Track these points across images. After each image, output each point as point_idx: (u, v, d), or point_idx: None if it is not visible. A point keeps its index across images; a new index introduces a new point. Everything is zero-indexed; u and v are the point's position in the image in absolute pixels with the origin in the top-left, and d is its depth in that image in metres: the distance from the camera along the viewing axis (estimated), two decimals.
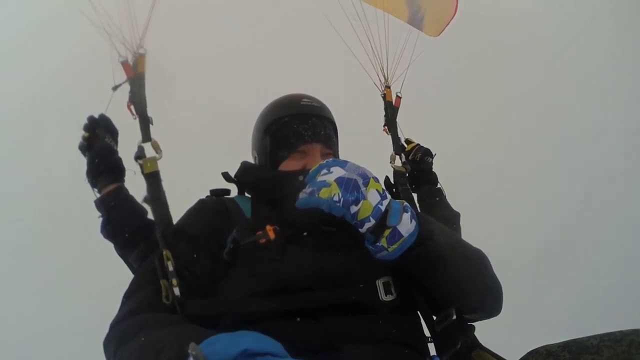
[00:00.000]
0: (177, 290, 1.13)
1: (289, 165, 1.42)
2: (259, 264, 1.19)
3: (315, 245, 1.24)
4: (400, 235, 1.04)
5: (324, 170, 1.07)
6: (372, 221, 1.03)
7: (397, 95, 1.83)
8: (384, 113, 1.83)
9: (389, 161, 1.71)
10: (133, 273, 1.45)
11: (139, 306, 1.13)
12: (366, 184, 1.05)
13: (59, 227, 3.58)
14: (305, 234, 1.26)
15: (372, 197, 1.04)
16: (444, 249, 1.12)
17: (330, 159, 1.13)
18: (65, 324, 3.46)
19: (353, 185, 1.03)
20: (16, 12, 3.96)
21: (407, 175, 1.68)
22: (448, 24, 2.02)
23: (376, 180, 1.08)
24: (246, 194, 1.51)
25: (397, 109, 1.83)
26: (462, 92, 4.50)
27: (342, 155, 1.52)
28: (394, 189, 1.61)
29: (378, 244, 1.05)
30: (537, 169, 4.48)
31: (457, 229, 1.77)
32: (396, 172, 1.65)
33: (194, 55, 4.15)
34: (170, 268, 1.16)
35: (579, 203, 4.37)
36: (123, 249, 1.41)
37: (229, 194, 1.50)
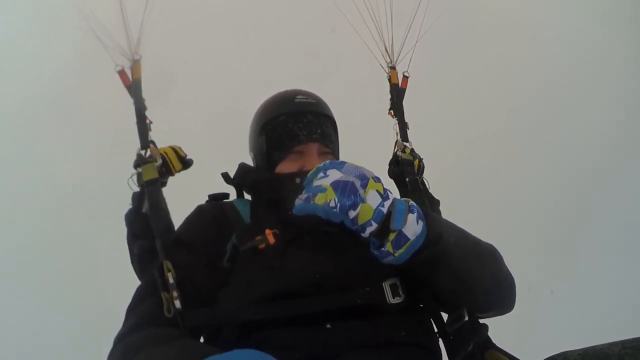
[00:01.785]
0: (177, 303, 1.09)
1: (286, 166, 1.37)
2: (258, 270, 1.15)
3: (317, 247, 1.20)
4: (407, 239, 0.97)
5: (320, 174, 1.01)
6: (374, 225, 0.96)
7: (403, 75, 1.67)
8: (389, 96, 1.67)
9: (394, 148, 1.57)
10: (131, 262, 1.43)
11: (141, 321, 1.11)
12: (364, 186, 0.98)
13: (59, 227, 3.58)
14: (305, 236, 1.21)
15: (372, 199, 0.97)
16: (455, 250, 1.06)
17: (328, 162, 1.06)
18: (66, 324, 3.46)
19: (350, 189, 0.96)
20: (16, 12, 3.96)
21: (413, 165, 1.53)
22: None
23: (376, 180, 1.01)
24: (245, 196, 1.48)
25: (404, 90, 1.66)
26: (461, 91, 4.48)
27: (355, 153, 1.40)
28: (401, 179, 1.50)
29: (383, 249, 0.98)
30: (536, 168, 4.47)
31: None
32: (404, 161, 1.50)
33: (194, 55, 4.15)
34: (171, 280, 1.12)
35: (578, 200, 4.36)
36: (134, 237, 1.41)
37: (227, 198, 1.46)
